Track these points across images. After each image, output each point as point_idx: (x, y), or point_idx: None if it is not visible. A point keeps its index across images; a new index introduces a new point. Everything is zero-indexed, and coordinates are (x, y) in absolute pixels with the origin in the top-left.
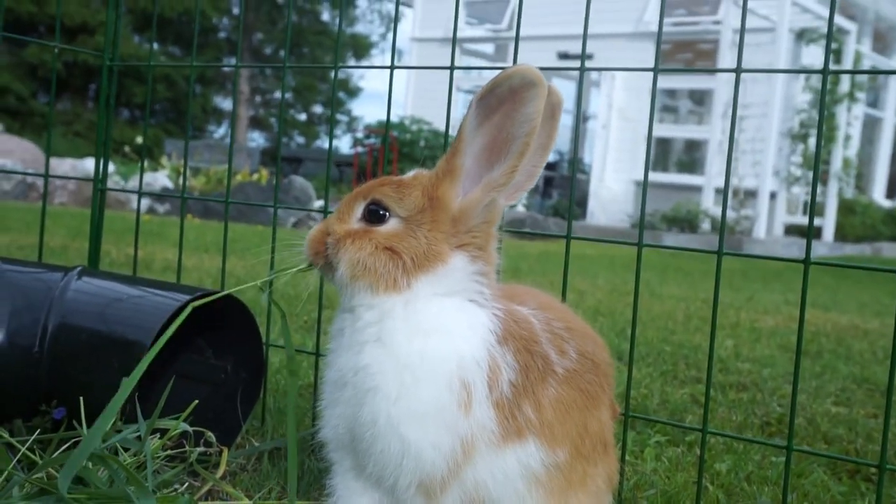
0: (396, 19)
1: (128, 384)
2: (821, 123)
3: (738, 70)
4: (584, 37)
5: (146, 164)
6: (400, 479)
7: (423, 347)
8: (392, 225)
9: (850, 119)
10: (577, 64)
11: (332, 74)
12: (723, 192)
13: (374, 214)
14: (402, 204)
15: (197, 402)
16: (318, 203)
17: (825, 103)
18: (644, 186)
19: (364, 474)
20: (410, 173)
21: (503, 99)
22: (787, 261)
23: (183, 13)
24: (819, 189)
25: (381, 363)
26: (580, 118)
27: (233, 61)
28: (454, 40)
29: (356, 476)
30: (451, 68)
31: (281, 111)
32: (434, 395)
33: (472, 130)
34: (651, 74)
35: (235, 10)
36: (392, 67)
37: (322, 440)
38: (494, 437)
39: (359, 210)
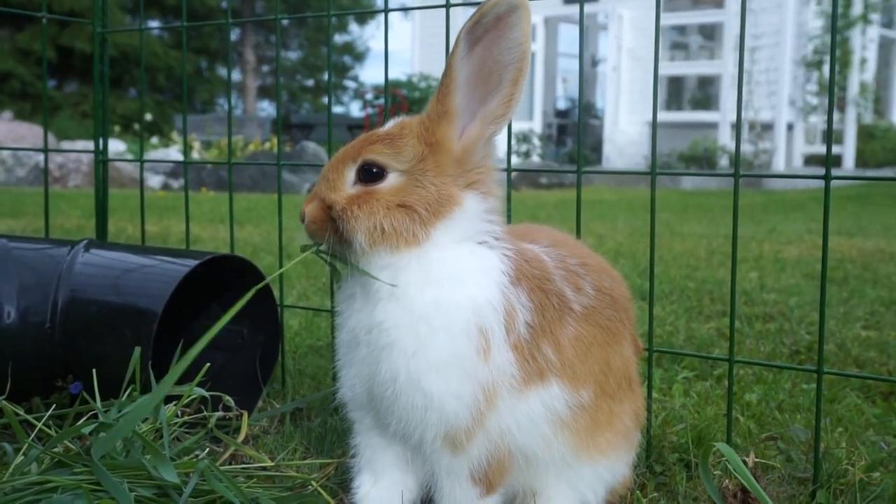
0: None
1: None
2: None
3: None
4: None
5: (156, 140)
6: (425, 433)
7: (436, 297)
8: (393, 180)
9: (864, 42)
10: (586, 7)
11: (334, 33)
12: (737, 111)
13: (370, 174)
14: (400, 157)
15: (209, 365)
16: None
17: (836, 19)
18: (655, 104)
19: (387, 431)
20: (391, 123)
21: (488, 28)
22: (807, 178)
23: None
24: (836, 116)
25: (395, 318)
26: (582, 60)
27: (234, 33)
28: None
29: (379, 433)
30: (447, 6)
31: (277, 64)
32: (451, 344)
33: (461, 66)
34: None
35: None
36: (386, 11)
37: (341, 401)
38: (516, 382)
39: (350, 174)
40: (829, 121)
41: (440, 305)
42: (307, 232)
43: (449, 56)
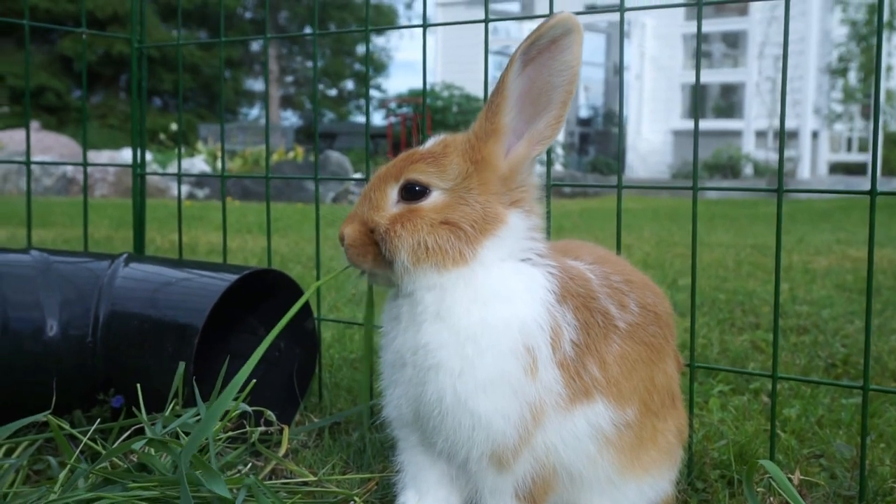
0: None
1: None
2: (879, 45)
3: None
4: None
5: (182, 150)
6: (472, 451)
7: (483, 316)
8: (436, 197)
9: (891, 49)
10: (605, 15)
11: (363, 46)
12: (780, 122)
13: (412, 192)
14: (444, 175)
15: (255, 381)
16: (357, 177)
17: (882, 25)
18: (696, 118)
19: (433, 449)
20: (433, 141)
21: (542, 49)
22: (853, 193)
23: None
24: (862, 123)
25: (440, 339)
26: (622, 67)
27: (257, 43)
28: None
29: (424, 451)
30: (486, 21)
31: (314, 81)
32: (499, 363)
33: (513, 85)
34: (681, 21)
35: None
36: (424, 26)
37: (386, 419)
38: (562, 400)
39: (393, 193)
40: (875, 132)
41: (487, 325)
42: (348, 256)
43: (502, 74)
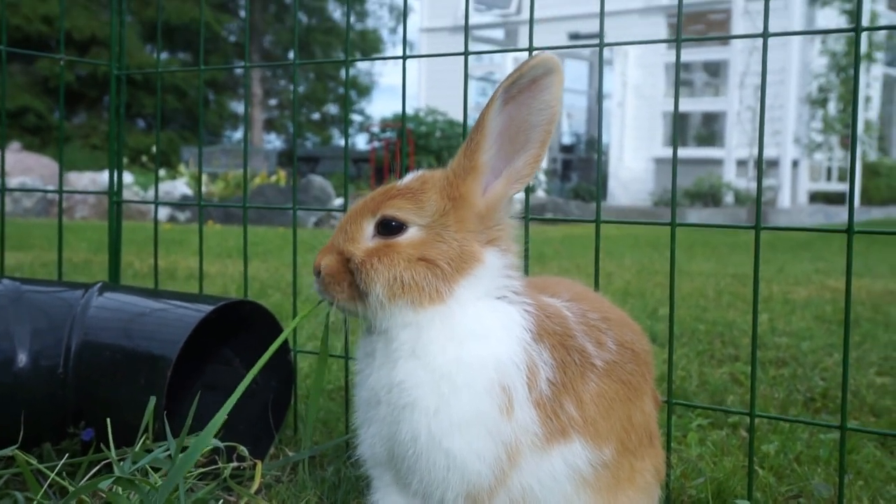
0: (406, 11)
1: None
2: (856, 84)
3: (764, 35)
4: (602, 14)
5: (164, 172)
6: (447, 492)
7: (458, 355)
8: (413, 234)
9: (869, 80)
10: (589, 44)
11: (344, 70)
12: (757, 166)
13: (389, 227)
14: (421, 212)
15: (226, 418)
16: (338, 202)
17: (859, 60)
18: (674, 159)
19: (408, 490)
20: (411, 176)
21: (522, 88)
22: (829, 231)
23: (190, 22)
24: (841, 153)
25: (416, 377)
26: (601, 106)
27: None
28: (466, 26)
29: (398, 490)
30: (466, 54)
31: (294, 111)
32: (474, 402)
33: (493, 124)
34: (663, 50)
35: (243, 13)
36: (404, 57)
37: (360, 458)
38: (538, 440)
39: (369, 227)
40: (851, 177)
41: (462, 363)
42: (322, 285)
43: (482, 112)
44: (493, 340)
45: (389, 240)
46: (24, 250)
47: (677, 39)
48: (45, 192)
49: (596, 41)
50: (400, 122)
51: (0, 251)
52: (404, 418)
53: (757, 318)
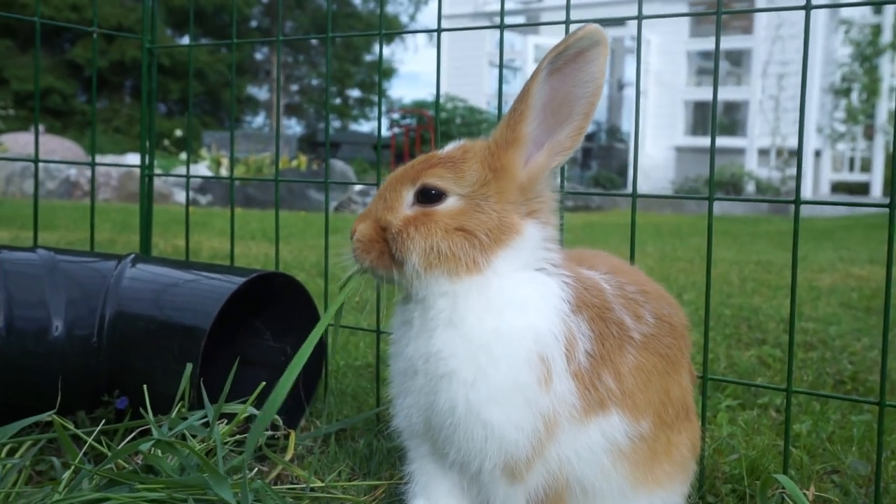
0: None
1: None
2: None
3: (807, 7)
4: None
5: (185, 155)
6: (484, 462)
7: (496, 325)
8: (452, 203)
9: (894, 70)
10: (612, 31)
11: (371, 51)
12: (798, 135)
13: (428, 196)
14: (462, 181)
15: (264, 384)
16: (359, 187)
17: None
18: (712, 139)
19: (444, 459)
20: (452, 146)
21: (568, 60)
22: (872, 206)
23: (214, 8)
24: (864, 143)
25: (453, 347)
26: (639, 82)
27: (262, 52)
28: (503, 5)
29: (434, 460)
30: (501, 27)
31: (327, 85)
32: (513, 373)
33: (538, 95)
34: (685, 38)
35: None
36: (439, 30)
37: (395, 428)
38: (576, 411)
39: (408, 195)
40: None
41: (501, 334)
42: (353, 251)
43: (527, 83)
44: (531, 311)
45: (428, 208)
46: (49, 230)
47: (717, 12)
48: (77, 164)
49: (621, 26)
50: (420, 109)
51: (34, 220)
52: (442, 388)
53: (795, 293)
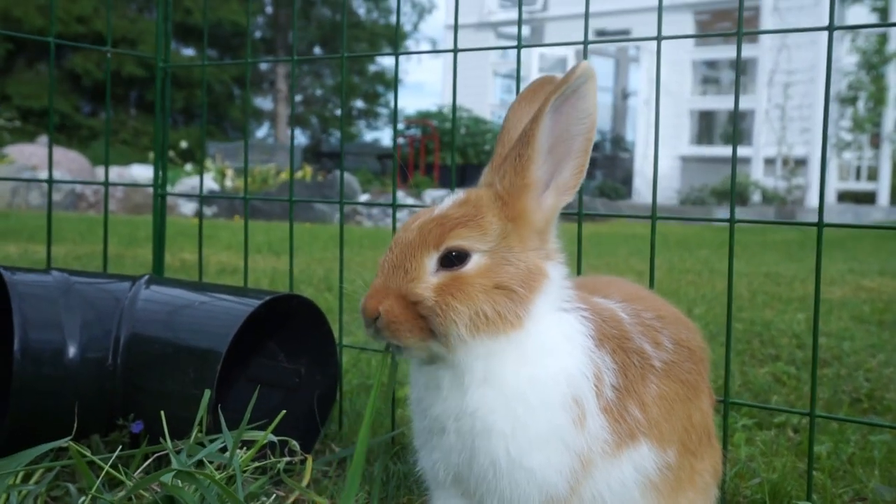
0: (458, 5)
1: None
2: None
3: (830, 28)
4: (660, 8)
5: (190, 167)
6: None
7: (532, 373)
8: (477, 261)
9: None
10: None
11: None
12: (821, 152)
13: (452, 259)
14: (485, 237)
15: (284, 412)
16: (363, 197)
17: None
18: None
19: (477, 503)
20: (454, 201)
21: (564, 99)
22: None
23: (218, 21)
24: (871, 152)
25: (489, 404)
26: (658, 96)
27: (266, 63)
28: (520, 14)
29: (459, 497)
30: (519, 47)
31: (342, 101)
32: (550, 418)
33: (543, 139)
34: (690, 47)
35: (269, 10)
36: (455, 51)
37: (421, 473)
38: (608, 447)
39: (430, 262)
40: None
41: (535, 381)
42: (390, 333)
43: (531, 127)
44: (560, 354)
45: (455, 272)
46: (57, 244)
47: (738, 33)
48: (91, 183)
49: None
50: (424, 119)
51: (47, 241)
52: (479, 446)
53: (818, 312)
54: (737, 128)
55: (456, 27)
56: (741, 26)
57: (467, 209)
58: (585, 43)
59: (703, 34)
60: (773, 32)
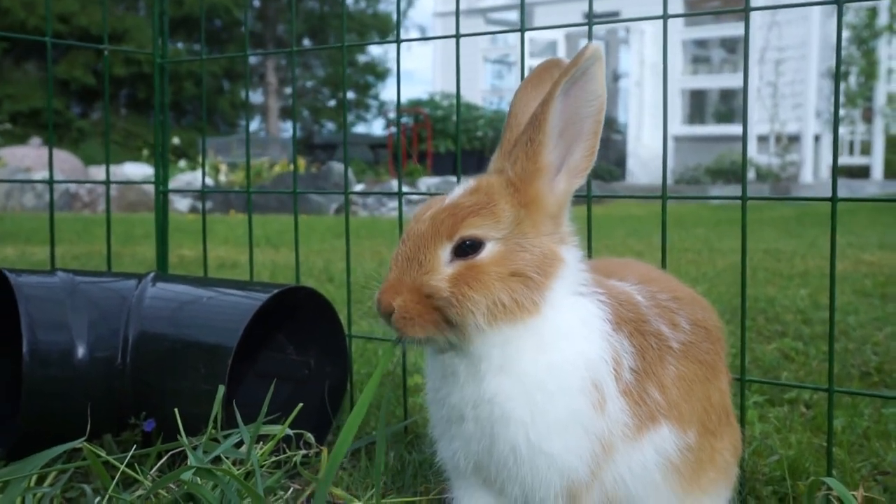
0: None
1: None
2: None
3: (839, 1)
4: None
5: (184, 164)
6: (547, 492)
7: (549, 360)
8: (492, 249)
9: (891, 52)
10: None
11: (396, 50)
12: (833, 129)
13: (466, 248)
14: (499, 225)
15: (301, 405)
16: (358, 187)
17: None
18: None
19: (497, 491)
20: (465, 188)
21: (574, 81)
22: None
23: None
24: (863, 127)
25: (506, 391)
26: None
27: (255, 56)
28: (522, 4)
29: (485, 489)
30: (522, 30)
31: (343, 93)
32: (569, 404)
33: (554, 123)
34: (680, 27)
35: (256, 3)
36: (458, 36)
37: (440, 463)
38: (629, 430)
39: (444, 253)
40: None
41: (553, 367)
42: (404, 328)
43: (541, 111)
44: (578, 338)
45: (470, 261)
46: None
47: (745, 9)
48: (92, 182)
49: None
50: (416, 108)
51: (50, 242)
52: (499, 433)
53: (834, 290)
54: (746, 105)
55: (458, 13)
56: (748, 2)
57: (479, 197)
58: (590, 24)
59: (711, 11)
60: (781, 7)
